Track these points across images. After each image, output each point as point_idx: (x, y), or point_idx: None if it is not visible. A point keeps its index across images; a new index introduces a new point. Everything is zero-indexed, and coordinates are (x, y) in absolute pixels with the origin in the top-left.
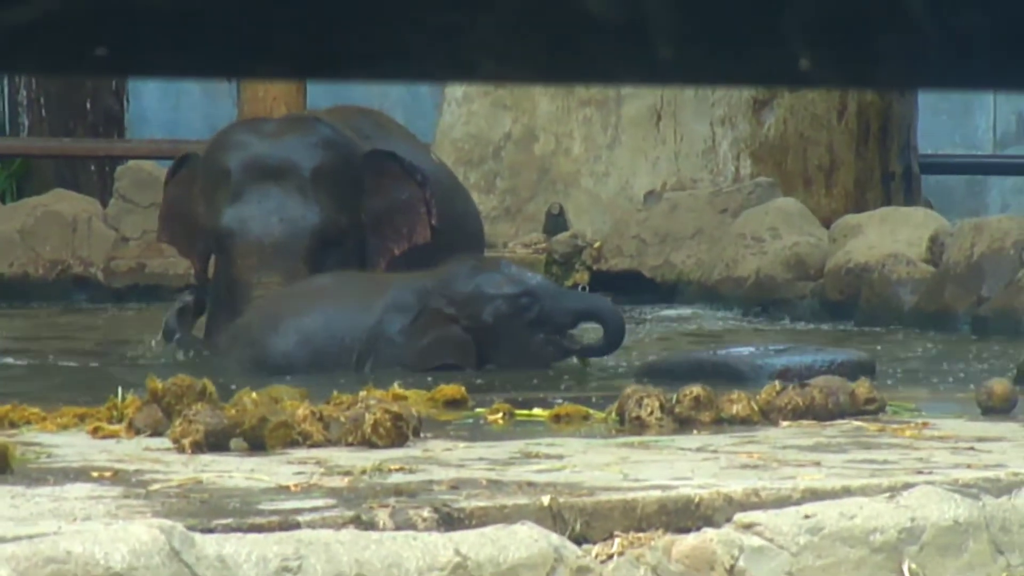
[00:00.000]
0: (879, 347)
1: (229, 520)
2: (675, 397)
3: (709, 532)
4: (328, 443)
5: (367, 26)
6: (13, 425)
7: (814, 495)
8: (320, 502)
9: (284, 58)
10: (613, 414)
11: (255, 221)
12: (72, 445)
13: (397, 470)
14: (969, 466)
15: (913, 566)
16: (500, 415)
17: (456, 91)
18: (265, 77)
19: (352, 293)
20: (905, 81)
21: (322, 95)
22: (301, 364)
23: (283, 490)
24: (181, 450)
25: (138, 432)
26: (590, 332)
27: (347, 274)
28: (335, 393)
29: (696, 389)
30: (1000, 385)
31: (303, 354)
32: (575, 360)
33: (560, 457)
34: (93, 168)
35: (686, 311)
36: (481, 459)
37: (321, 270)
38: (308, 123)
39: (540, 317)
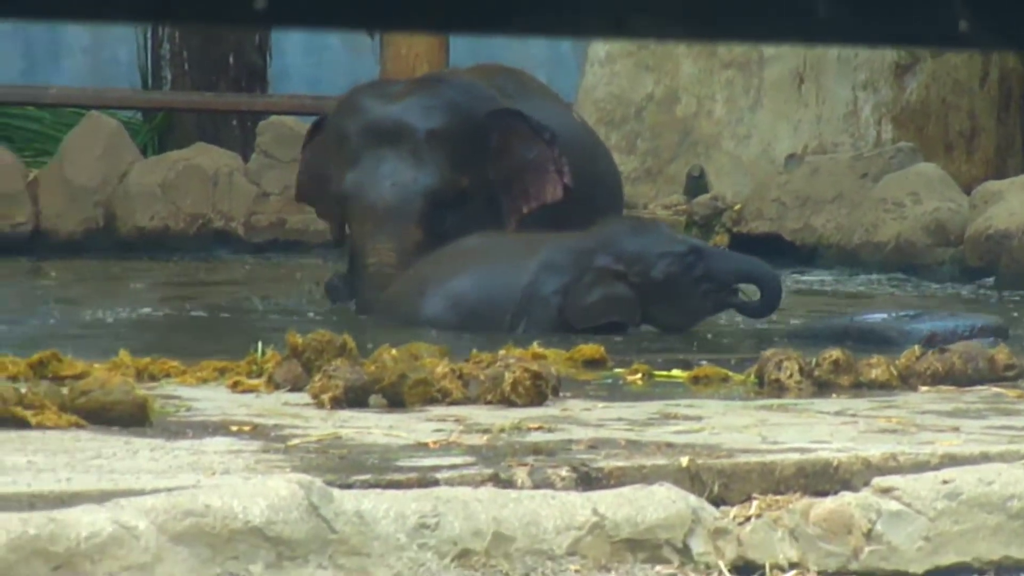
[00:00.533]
0: (1016, 314)
1: (368, 476)
2: (814, 361)
3: (847, 496)
4: (467, 401)
5: None
6: (153, 378)
7: (952, 460)
8: (458, 460)
9: (435, 10)
10: (752, 376)
11: (370, 186)
12: (211, 399)
13: (536, 429)
14: None
15: None
16: (639, 376)
17: (599, 51)
18: (415, 30)
19: (504, 254)
20: None
21: (465, 54)
22: (453, 326)
23: (422, 447)
24: (320, 405)
25: (277, 387)
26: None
27: (497, 235)
28: (474, 351)
29: (836, 353)
30: None
31: (455, 316)
32: (733, 316)
33: (699, 419)
34: (235, 123)
35: (826, 275)
36: (619, 419)
37: (439, 232)
38: (430, 85)
39: (705, 275)
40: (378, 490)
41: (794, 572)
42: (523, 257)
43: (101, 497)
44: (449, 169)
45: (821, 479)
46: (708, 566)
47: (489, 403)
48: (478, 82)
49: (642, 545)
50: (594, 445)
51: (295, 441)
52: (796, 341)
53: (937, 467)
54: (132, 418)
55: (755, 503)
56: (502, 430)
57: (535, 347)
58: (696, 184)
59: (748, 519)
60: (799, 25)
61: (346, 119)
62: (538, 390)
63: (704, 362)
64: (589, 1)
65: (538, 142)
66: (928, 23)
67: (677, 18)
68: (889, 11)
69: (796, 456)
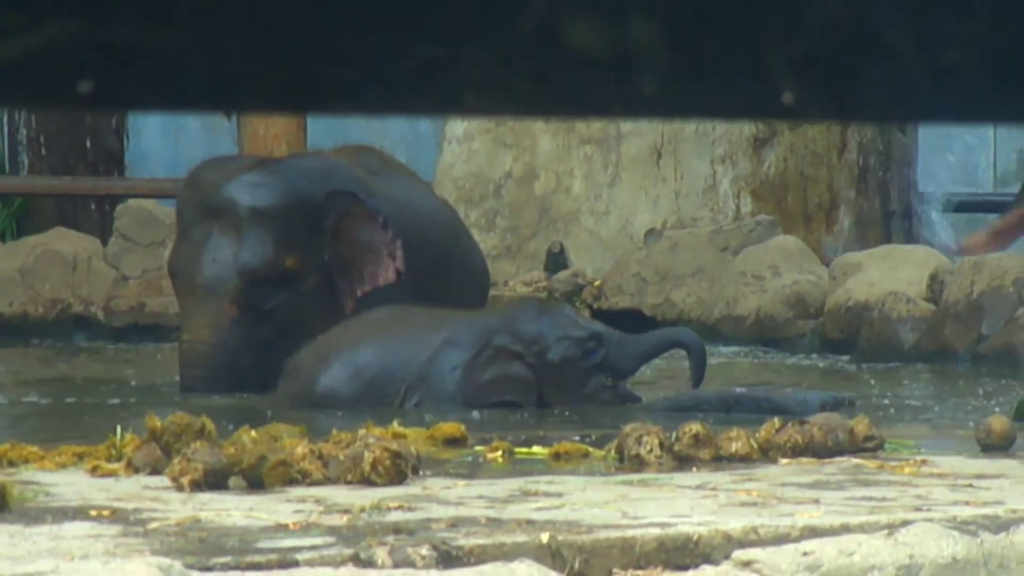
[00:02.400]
0: (876, 385)
1: (227, 558)
2: (674, 435)
3: (708, 569)
4: (327, 481)
5: (352, 60)
6: (12, 464)
7: (813, 532)
8: (319, 540)
9: (268, 91)
10: (612, 452)
11: (193, 261)
12: (71, 484)
13: (396, 508)
14: (968, 503)
15: None
16: (499, 453)
17: (457, 129)
18: (249, 110)
19: (408, 328)
20: (889, 115)
21: (324, 134)
22: (349, 398)
23: (282, 528)
24: (180, 488)
25: (137, 471)
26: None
27: (403, 309)
28: (334, 431)
29: (696, 426)
30: (999, 422)
31: (353, 386)
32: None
33: (559, 495)
34: (93, 207)
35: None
36: (480, 497)
37: (260, 310)
38: (269, 164)
39: (604, 362)
40: (238, 572)
41: None
42: (427, 332)
43: None
44: (273, 248)
45: (682, 553)
46: None
47: (349, 483)
48: (337, 162)
49: None
50: (454, 523)
51: (155, 524)
52: (676, 413)
53: (798, 539)
54: None
55: None
56: (362, 510)
57: (395, 426)
58: (556, 260)
59: None
60: (624, 100)
61: (185, 193)
62: (398, 469)
63: (576, 438)
64: (423, 80)
65: (372, 225)
66: (751, 96)
67: (508, 95)
68: (712, 84)
69: (657, 531)
